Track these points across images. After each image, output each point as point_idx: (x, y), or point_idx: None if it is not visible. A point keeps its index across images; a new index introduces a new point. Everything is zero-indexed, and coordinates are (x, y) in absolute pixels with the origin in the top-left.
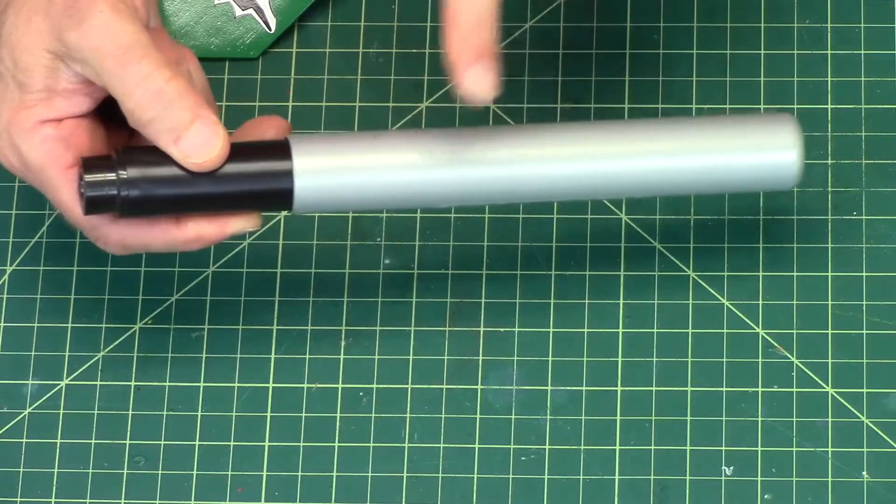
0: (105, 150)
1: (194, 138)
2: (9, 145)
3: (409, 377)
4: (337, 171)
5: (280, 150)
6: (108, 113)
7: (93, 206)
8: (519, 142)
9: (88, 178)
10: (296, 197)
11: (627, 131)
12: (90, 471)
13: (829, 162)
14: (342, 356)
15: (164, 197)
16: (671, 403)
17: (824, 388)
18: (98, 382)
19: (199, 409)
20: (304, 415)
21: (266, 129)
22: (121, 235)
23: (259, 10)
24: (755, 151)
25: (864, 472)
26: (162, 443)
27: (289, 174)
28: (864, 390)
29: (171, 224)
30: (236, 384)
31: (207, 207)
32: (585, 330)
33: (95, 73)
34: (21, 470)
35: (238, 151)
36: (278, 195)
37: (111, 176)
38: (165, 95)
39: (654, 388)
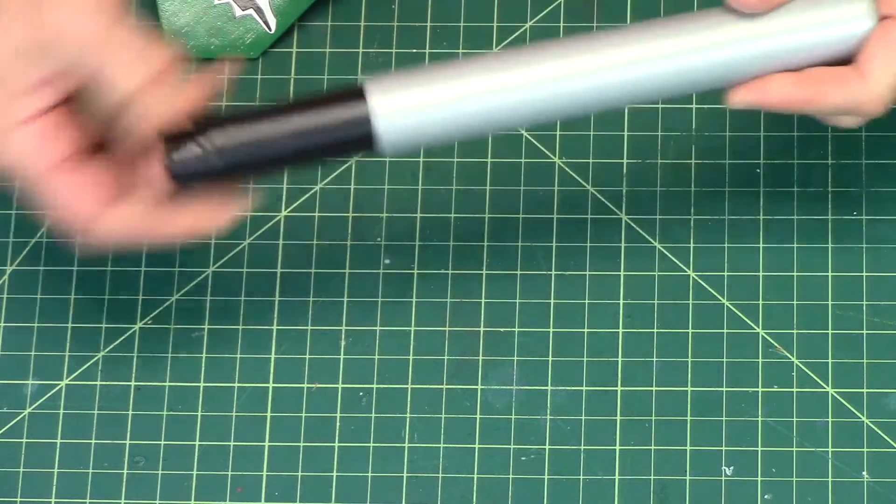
0: (79, 145)
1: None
2: None
3: (409, 377)
4: (414, 105)
5: (355, 95)
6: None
7: (180, 179)
8: (599, 46)
9: (175, 155)
10: (381, 139)
11: (700, 20)
12: (90, 471)
13: (829, 162)
14: (342, 356)
15: (249, 159)
16: (671, 403)
17: (824, 388)
18: (98, 382)
19: (199, 409)
20: (304, 415)
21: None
22: (108, 233)
23: (259, 11)
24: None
25: (864, 472)
26: (162, 443)
27: (367, 120)
28: (864, 390)
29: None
30: (236, 384)
31: (295, 164)
32: (585, 330)
33: (73, 59)
34: (21, 470)
35: (314, 103)
36: (360, 140)
37: (195, 147)
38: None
39: (654, 388)
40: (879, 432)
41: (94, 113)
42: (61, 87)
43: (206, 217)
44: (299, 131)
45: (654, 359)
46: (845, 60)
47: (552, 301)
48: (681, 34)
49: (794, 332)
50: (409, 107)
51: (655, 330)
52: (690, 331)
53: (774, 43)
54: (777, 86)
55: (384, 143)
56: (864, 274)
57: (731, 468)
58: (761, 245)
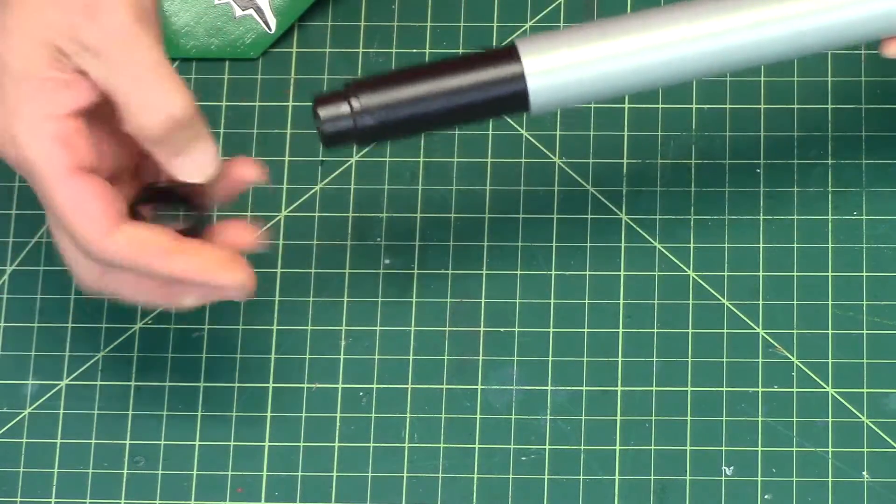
0: (101, 156)
1: (196, 158)
2: (3, 128)
3: (409, 377)
4: (566, 65)
5: (509, 54)
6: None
7: (331, 140)
8: (745, 3)
9: (323, 112)
10: (531, 98)
11: None
12: (90, 471)
13: (829, 162)
14: (342, 356)
15: (400, 119)
16: (671, 403)
17: (824, 388)
18: (98, 382)
19: (199, 409)
20: (304, 415)
21: (242, 171)
22: (116, 253)
23: (259, 11)
24: None
25: (865, 472)
26: (162, 443)
27: (521, 77)
28: (864, 390)
29: (172, 246)
30: (236, 384)
31: (443, 124)
32: (585, 330)
33: (107, 72)
34: (21, 470)
35: (467, 62)
36: (513, 99)
37: (346, 107)
38: (177, 118)
39: (654, 388)
40: (879, 432)
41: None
42: (91, 94)
43: (204, 268)
44: (451, 90)
45: (654, 359)
46: None
47: (552, 301)
48: None
49: (794, 332)
50: (560, 66)
51: (655, 330)
52: (690, 331)
53: None
54: None
55: (535, 102)
56: (864, 274)
57: (731, 468)
58: (761, 245)
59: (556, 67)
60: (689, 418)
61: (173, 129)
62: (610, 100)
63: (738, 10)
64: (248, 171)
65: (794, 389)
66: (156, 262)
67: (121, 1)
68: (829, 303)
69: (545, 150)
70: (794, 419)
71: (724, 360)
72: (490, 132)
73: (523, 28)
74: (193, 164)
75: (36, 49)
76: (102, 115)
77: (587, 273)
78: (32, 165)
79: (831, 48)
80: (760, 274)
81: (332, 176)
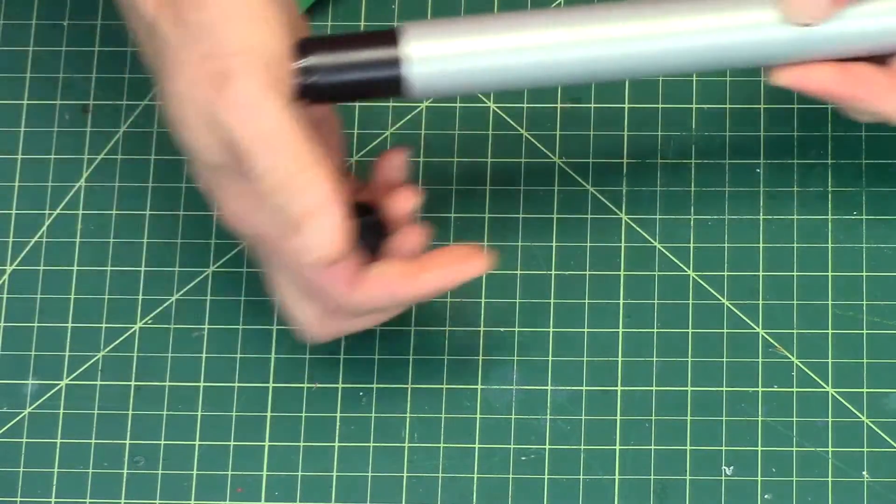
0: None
1: (311, 236)
2: (242, 218)
3: (409, 377)
4: (446, 55)
5: (389, 37)
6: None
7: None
8: (641, 14)
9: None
10: (411, 82)
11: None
12: (90, 471)
13: (829, 162)
14: (342, 356)
15: (307, 85)
16: (671, 403)
17: (824, 388)
18: (98, 382)
19: (199, 409)
20: (304, 415)
21: (393, 163)
22: (364, 303)
23: None
24: None
25: (864, 472)
26: (162, 443)
27: (396, 62)
28: (864, 390)
29: (413, 276)
30: (236, 384)
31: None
32: (585, 330)
33: (237, 144)
34: (21, 470)
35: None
36: (389, 82)
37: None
38: (293, 188)
39: (654, 388)
40: (879, 432)
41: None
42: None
43: (451, 273)
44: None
45: (654, 359)
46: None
47: (552, 301)
48: (727, 10)
49: (794, 332)
50: (442, 55)
51: (655, 330)
52: (690, 331)
53: (823, 32)
54: (819, 75)
55: (415, 87)
56: (864, 274)
57: (731, 468)
58: (761, 245)
59: (437, 56)
60: (689, 418)
61: (283, 197)
62: (491, 91)
63: (618, 21)
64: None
65: (794, 389)
66: (407, 292)
67: (247, 67)
68: (829, 303)
69: (545, 150)
70: (794, 419)
71: (724, 360)
72: (490, 132)
73: None
74: (309, 242)
75: (203, 131)
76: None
77: (587, 273)
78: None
79: (705, 69)
80: (760, 274)
81: None
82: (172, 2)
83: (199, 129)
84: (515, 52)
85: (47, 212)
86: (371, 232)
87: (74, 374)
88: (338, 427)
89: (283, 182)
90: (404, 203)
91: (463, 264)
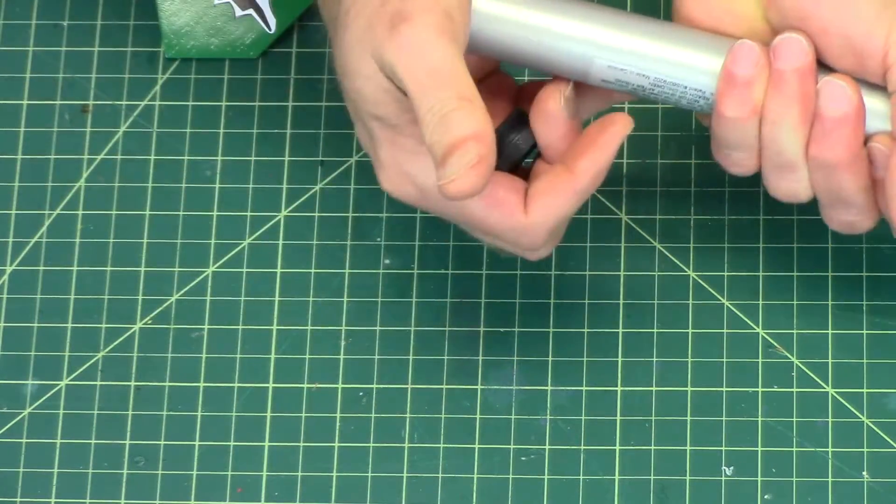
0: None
1: (452, 167)
2: (404, 180)
3: (409, 377)
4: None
5: None
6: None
7: None
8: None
9: None
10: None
11: None
12: (90, 471)
13: None
14: (342, 356)
15: None
16: (671, 403)
17: (824, 388)
18: (98, 382)
19: (199, 409)
20: (304, 415)
21: (609, 128)
22: (541, 236)
23: (259, 10)
24: None
25: (864, 472)
26: (162, 443)
27: None
28: (864, 390)
29: (570, 186)
30: (236, 384)
31: None
32: (585, 330)
33: (402, 86)
34: (21, 470)
35: None
36: None
37: None
38: (450, 121)
39: (654, 388)
40: (879, 432)
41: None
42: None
43: (602, 149)
44: None
45: (654, 359)
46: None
47: (552, 301)
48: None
49: (794, 332)
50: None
51: (655, 330)
52: (690, 331)
53: None
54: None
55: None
56: (864, 274)
57: (731, 468)
58: (761, 245)
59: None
60: (689, 418)
61: (437, 133)
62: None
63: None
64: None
65: (794, 389)
66: (572, 191)
67: (424, 11)
68: (829, 303)
69: None
70: (794, 419)
71: (724, 360)
72: None
73: None
74: (451, 173)
75: (365, 83)
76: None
77: (587, 273)
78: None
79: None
80: (760, 274)
81: (332, 176)
82: None
83: (367, 74)
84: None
85: (47, 212)
86: (520, 136)
87: (74, 375)
88: (338, 427)
89: (441, 117)
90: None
91: (609, 132)
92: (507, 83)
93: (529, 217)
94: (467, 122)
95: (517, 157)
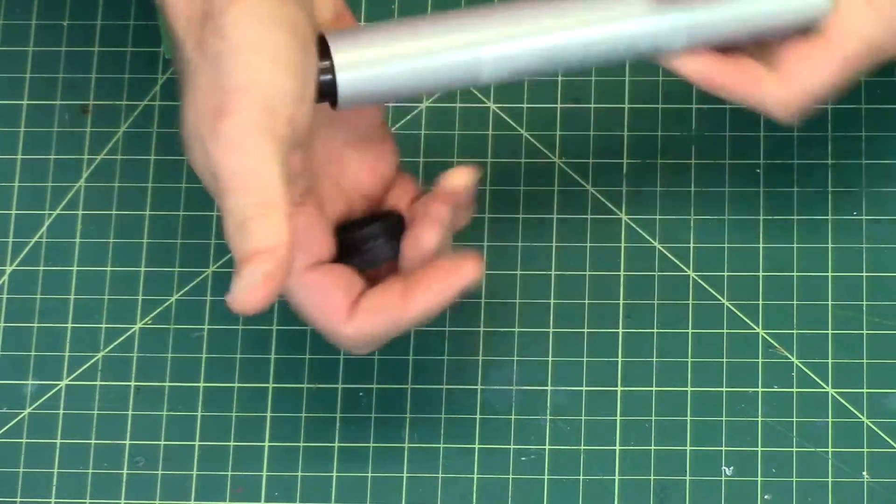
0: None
1: (241, 281)
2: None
3: (408, 377)
4: (376, 61)
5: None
6: None
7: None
8: (538, 13)
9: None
10: (339, 91)
11: None
12: (90, 471)
13: (829, 162)
14: (342, 356)
15: None
16: (671, 403)
17: (824, 388)
18: (98, 382)
19: (199, 409)
20: (304, 415)
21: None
22: (353, 335)
23: None
24: None
25: (864, 472)
26: (162, 443)
27: (329, 70)
28: (864, 390)
29: (399, 305)
30: (236, 384)
31: None
32: (585, 330)
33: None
34: (21, 470)
35: None
36: (322, 89)
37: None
38: (243, 228)
39: (654, 388)
40: (879, 432)
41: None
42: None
43: (441, 291)
44: None
45: (654, 359)
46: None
47: (552, 301)
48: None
49: (794, 332)
50: (367, 61)
51: (655, 330)
52: (690, 331)
53: (693, 17)
54: (695, 63)
55: (342, 96)
56: (864, 274)
57: (731, 468)
58: (761, 245)
59: (362, 63)
60: (689, 418)
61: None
62: (414, 97)
63: (514, 24)
64: (457, 181)
65: (794, 389)
66: (398, 318)
67: (243, 107)
68: (829, 303)
69: (545, 150)
70: (794, 419)
71: (724, 360)
72: (490, 132)
73: None
74: (237, 289)
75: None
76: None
77: (587, 273)
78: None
79: (608, 63)
80: (760, 274)
81: None
82: (200, 24)
83: (196, 156)
84: (428, 55)
85: (47, 212)
86: (388, 245)
87: (74, 374)
88: (338, 427)
89: (239, 223)
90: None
91: (455, 275)
92: (408, 184)
93: (348, 329)
94: (263, 233)
95: (375, 263)
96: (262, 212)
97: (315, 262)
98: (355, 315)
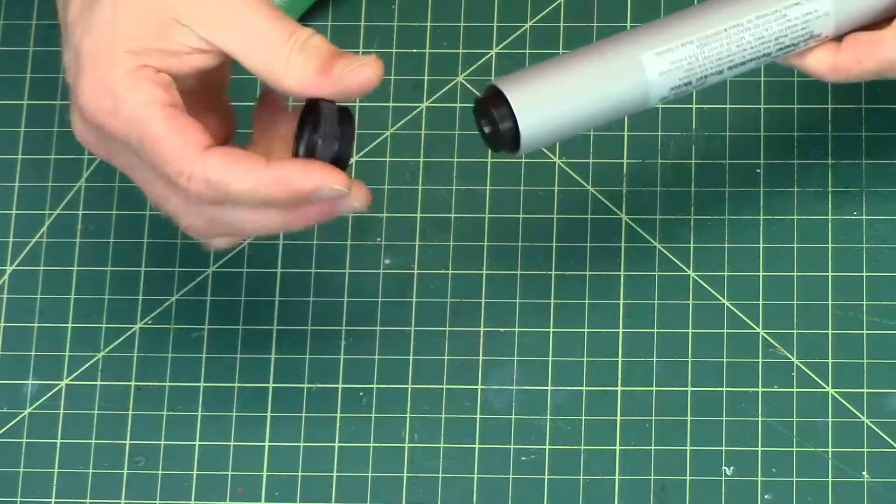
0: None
1: (349, 63)
2: (99, 90)
3: (409, 377)
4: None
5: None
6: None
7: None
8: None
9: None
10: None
11: None
12: (90, 471)
13: (829, 162)
14: (342, 356)
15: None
16: (671, 403)
17: (824, 388)
18: (98, 382)
19: (199, 409)
20: (304, 415)
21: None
22: (205, 173)
23: None
24: None
25: (864, 472)
26: (162, 443)
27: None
28: (864, 390)
29: (259, 162)
30: (236, 384)
31: None
32: (585, 330)
33: (231, 43)
34: (21, 470)
35: None
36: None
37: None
38: (309, 44)
39: (654, 388)
40: (879, 432)
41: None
42: (203, 65)
43: (302, 178)
44: None
45: (654, 359)
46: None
47: (552, 301)
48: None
49: (794, 332)
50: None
51: (655, 330)
52: (690, 331)
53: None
54: (817, 57)
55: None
56: (864, 274)
57: (731, 468)
58: (761, 245)
59: (541, 102)
60: (689, 418)
61: (310, 88)
62: (597, 128)
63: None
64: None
65: (794, 389)
66: (247, 177)
67: (100, 54)
68: (829, 303)
69: (545, 151)
70: (794, 419)
71: (724, 360)
72: None
73: (523, 28)
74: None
75: (143, 20)
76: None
77: (587, 273)
78: (129, 114)
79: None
80: (760, 274)
81: None
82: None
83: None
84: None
85: (47, 212)
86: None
87: (74, 374)
88: (338, 427)
89: (302, 44)
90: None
91: (316, 174)
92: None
93: (198, 166)
94: (327, 43)
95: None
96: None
97: (173, 103)
98: (212, 152)
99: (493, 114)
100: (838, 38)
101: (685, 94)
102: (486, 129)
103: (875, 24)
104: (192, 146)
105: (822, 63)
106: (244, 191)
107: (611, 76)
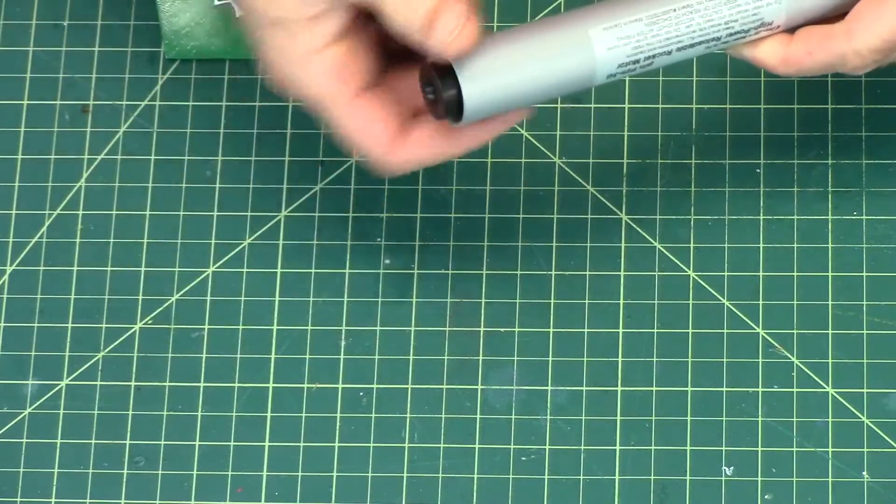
0: (372, 73)
1: (441, 32)
2: (289, 80)
3: (409, 377)
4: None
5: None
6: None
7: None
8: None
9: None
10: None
11: None
12: (90, 471)
13: (829, 162)
14: (342, 356)
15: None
16: (671, 403)
17: (824, 388)
18: (98, 382)
19: (199, 409)
20: (304, 415)
21: None
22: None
23: None
24: None
25: (864, 472)
26: (162, 443)
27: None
28: (864, 390)
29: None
30: (236, 384)
31: None
32: (585, 330)
33: None
34: (21, 470)
35: None
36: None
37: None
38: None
39: (654, 388)
40: (879, 432)
41: (382, 40)
42: (346, 14)
43: (488, 128)
44: None
45: (654, 359)
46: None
47: (552, 301)
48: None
49: (794, 332)
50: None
51: (655, 330)
52: (690, 331)
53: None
54: (768, 48)
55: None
56: (864, 274)
57: (731, 468)
58: (761, 245)
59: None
60: (689, 418)
61: (434, 19)
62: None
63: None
64: None
65: (794, 389)
66: (445, 153)
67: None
68: (829, 303)
69: (545, 150)
70: (794, 419)
71: (724, 360)
72: None
73: None
74: (441, 38)
75: None
76: (362, 23)
77: (587, 273)
78: (318, 101)
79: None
80: (760, 274)
81: (332, 176)
82: None
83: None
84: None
85: (47, 212)
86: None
87: (74, 375)
88: (338, 427)
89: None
90: None
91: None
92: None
93: (394, 158)
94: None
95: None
96: None
97: (362, 86)
98: (404, 145)
99: (437, 81)
100: (790, 30)
101: (633, 74)
102: (430, 96)
103: (827, 20)
104: (381, 146)
105: (773, 55)
106: (440, 161)
107: (558, 49)
